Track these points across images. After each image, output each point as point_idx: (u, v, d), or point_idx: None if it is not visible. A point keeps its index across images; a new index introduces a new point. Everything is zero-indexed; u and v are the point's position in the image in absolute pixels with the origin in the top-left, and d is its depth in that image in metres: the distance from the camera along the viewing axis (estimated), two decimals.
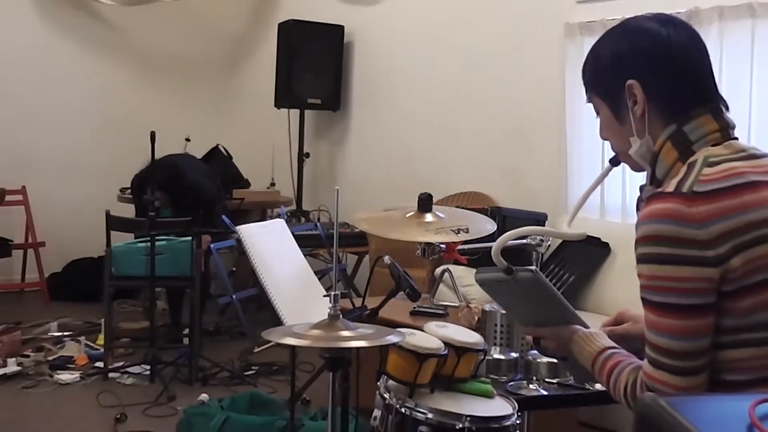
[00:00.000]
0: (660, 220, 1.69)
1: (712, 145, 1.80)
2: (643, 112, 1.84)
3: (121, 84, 8.29)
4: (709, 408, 1.23)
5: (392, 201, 4.47)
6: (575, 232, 2.20)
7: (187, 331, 5.75)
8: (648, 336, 1.77)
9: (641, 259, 1.75)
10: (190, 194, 6.02)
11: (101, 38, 8.21)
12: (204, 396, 4.61)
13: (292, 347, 2.34)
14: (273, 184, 7.54)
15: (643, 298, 1.76)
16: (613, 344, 1.96)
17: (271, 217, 7.16)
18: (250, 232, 2.73)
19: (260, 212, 7.15)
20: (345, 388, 2.57)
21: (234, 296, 5.56)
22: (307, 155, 7.29)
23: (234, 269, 7.57)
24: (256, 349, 5.49)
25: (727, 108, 1.87)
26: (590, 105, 1.98)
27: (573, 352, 2.01)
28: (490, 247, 2.61)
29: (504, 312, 2.79)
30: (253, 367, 5.44)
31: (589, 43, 5.52)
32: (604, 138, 2.00)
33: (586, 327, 2.05)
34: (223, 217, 5.19)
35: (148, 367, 5.26)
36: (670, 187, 1.73)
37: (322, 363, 4.35)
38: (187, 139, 7.02)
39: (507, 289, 2.06)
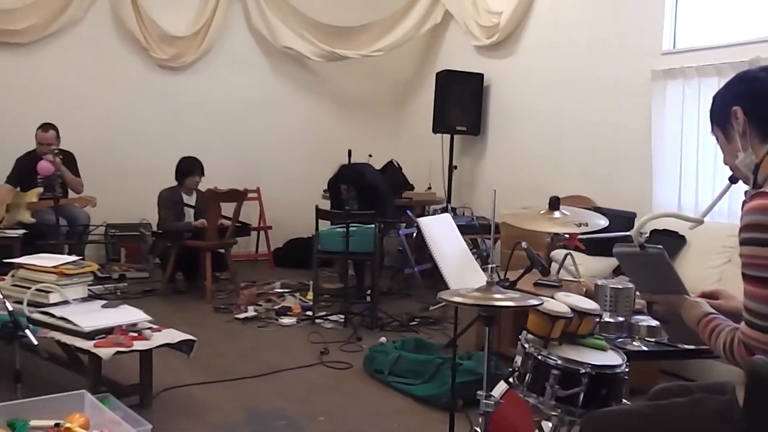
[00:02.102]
0: (760, 212, 1.61)
1: None
2: (743, 131, 1.78)
3: (324, 116, 8.41)
4: None
5: (518, 202, 4.36)
6: (697, 217, 2.12)
7: (369, 291, 5.78)
8: (745, 302, 1.68)
9: (743, 242, 1.66)
10: (370, 190, 6.05)
11: (311, 84, 8.35)
12: (383, 338, 4.61)
13: (456, 306, 2.28)
14: (430, 188, 7.51)
15: (743, 273, 1.67)
16: (713, 310, 1.87)
17: (429, 212, 7.14)
18: (426, 222, 2.69)
19: (421, 208, 7.12)
20: (489, 338, 2.48)
21: (415, 268, 5.52)
22: (455, 167, 7.21)
23: (401, 248, 7.57)
24: (431, 308, 5.44)
25: None
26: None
27: (682, 315, 1.92)
28: (603, 237, 2.48)
29: (617, 287, 2.66)
30: (415, 319, 5.41)
31: (671, 85, 5.26)
32: (725, 163, 1.91)
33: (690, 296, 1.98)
34: (408, 211, 5.15)
35: (343, 316, 5.32)
36: None
37: (473, 317, 4.31)
38: (370, 155, 7.06)
39: (637, 261, 2.03)
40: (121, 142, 7.40)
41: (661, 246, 1.93)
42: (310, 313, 5.47)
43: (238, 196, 6.09)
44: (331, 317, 5.38)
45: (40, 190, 6.14)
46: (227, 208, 6.16)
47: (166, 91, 7.62)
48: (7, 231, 5.96)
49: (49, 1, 7.01)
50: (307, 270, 6.80)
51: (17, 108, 6.87)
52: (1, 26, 6.83)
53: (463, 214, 6.72)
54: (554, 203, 2.71)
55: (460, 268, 2.50)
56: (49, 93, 7.00)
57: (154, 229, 6.57)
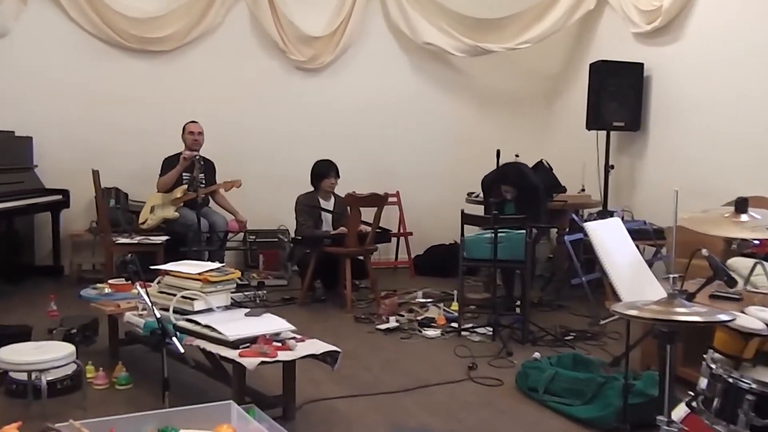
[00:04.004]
0: None
1: None
2: None
3: (467, 114, 8.37)
4: None
5: (686, 204, 4.11)
6: None
7: (518, 302, 5.66)
8: None
9: None
10: (530, 191, 5.92)
11: (453, 81, 8.33)
12: (536, 354, 4.48)
13: (629, 319, 2.15)
14: (583, 190, 7.27)
15: None
16: None
17: (582, 216, 6.92)
18: (594, 227, 2.58)
19: (574, 212, 6.89)
20: (663, 356, 2.33)
21: (583, 278, 5.34)
22: (612, 167, 6.94)
23: (551, 255, 7.39)
24: (602, 321, 5.24)
25: None
26: None
27: None
28: None
29: None
30: (571, 333, 5.23)
31: None
32: None
33: None
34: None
35: (491, 328, 5.22)
36: None
37: (642, 332, 4.11)
38: (516, 155, 6.91)
39: None
40: (259, 147, 7.68)
41: None
42: (455, 324, 5.42)
43: (378, 200, 6.14)
44: (478, 329, 5.31)
45: (185, 187, 6.55)
46: (366, 214, 6.22)
47: (303, 94, 7.84)
48: (151, 237, 6.35)
49: (189, 8, 7.41)
50: (449, 279, 6.80)
51: (159, 114, 7.31)
52: (144, 34, 7.28)
53: (623, 218, 6.45)
54: (741, 205, 2.51)
55: (632, 278, 2.37)
56: (189, 98, 7.37)
57: (293, 235, 6.76)
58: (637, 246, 5.35)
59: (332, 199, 6.55)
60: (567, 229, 6.32)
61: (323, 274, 6.39)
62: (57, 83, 7.12)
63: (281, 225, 7.39)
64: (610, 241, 2.48)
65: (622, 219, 6.27)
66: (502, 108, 8.44)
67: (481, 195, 6.56)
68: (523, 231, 5.25)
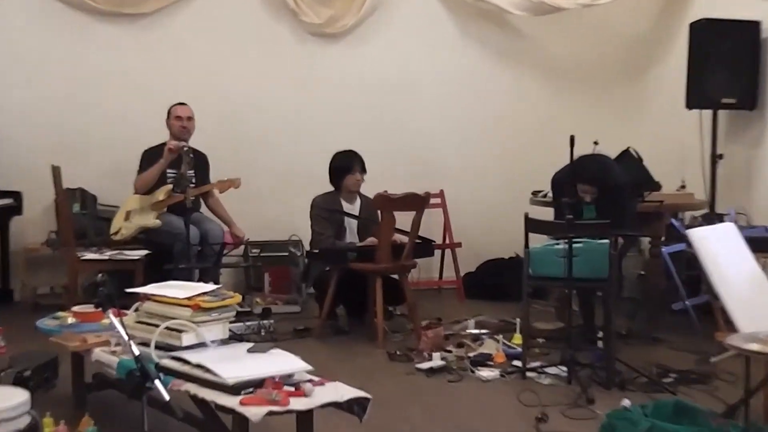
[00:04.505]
0: None
1: None
2: None
3: (531, 91, 8.37)
4: None
5: None
6: None
7: (601, 333, 5.61)
8: None
9: None
10: (614, 192, 5.87)
11: (513, 49, 8.35)
12: (626, 401, 4.43)
13: (748, 355, 2.11)
14: (683, 186, 7.20)
15: None
16: None
17: (684, 221, 6.85)
18: (700, 235, 2.55)
19: (672, 215, 6.83)
20: None
21: (687, 302, 5.29)
22: (720, 156, 6.88)
23: (642, 272, 7.32)
24: (712, 359, 5.17)
25: None
26: None
27: None
28: None
29: None
30: (670, 375, 5.16)
31: None
32: None
33: None
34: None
35: (565, 368, 5.16)
36: None
37: (767, 373, 4.05)
38: (596, 143, 6.87)
39: None
40: (264, 136, 7.73)
41: None
42: (518, 363, 5.38)
43: (417, 202, 6.12)
44: (548, 369, 5.26)
45: (170, 187, 6.56)
46: (402, 220, 6.20)
47: (320, 66, 7.90)
48: (126, 251, 6.39)
49: None
50: (511, 303, 6.76)
51: (138, 94, 7.40)
52: None
53: (736, 223, 6.37)
54: None
55: (752, 302, 2.33)
56: (175, 75, 7.47)
57: (308, 248, 6.77)
58: (757, 259, 5.30)
59: (358, 201, 6.57)
60: (664, 238, 6.26)
61: (347, 297, 6.40)
62: (5, 57, 7.21)
63: (293, 235, 7.41)
64: (722, 252, 2.45)
65: (736, 224, 6.22)
66: (576, 82, 8.41)
67: (551, 194, 6.52)
68: (606, 241, 5.21)
